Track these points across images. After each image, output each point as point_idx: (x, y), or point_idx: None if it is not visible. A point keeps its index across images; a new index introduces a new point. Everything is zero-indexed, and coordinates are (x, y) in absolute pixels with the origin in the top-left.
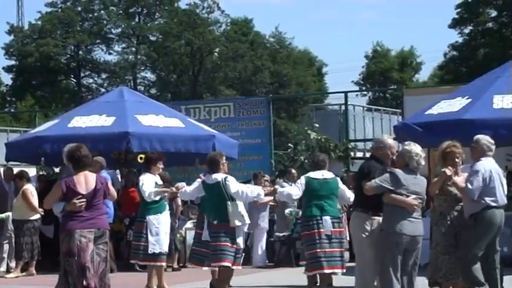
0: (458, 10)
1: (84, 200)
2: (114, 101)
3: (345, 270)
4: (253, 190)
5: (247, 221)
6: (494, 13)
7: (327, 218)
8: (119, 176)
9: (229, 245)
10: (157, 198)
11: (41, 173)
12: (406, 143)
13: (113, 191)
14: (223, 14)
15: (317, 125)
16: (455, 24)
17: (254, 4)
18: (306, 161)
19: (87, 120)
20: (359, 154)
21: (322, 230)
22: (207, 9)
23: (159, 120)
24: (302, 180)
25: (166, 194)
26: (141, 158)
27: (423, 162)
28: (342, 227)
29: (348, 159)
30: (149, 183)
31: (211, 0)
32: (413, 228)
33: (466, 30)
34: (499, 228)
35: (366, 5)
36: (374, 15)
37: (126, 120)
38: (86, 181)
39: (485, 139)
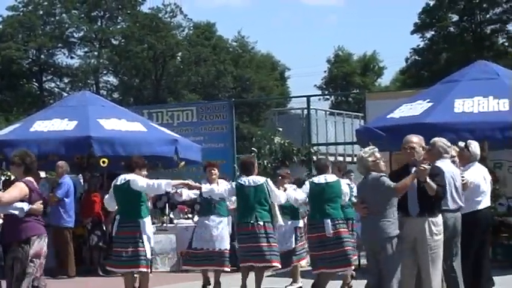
0: (421, 15)
1: (43, 204)
2: (76, 105)
3: (353, 268)
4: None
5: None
6: (455, 18)
7: (328, 221)
8: (82, 181)
9: (276, 245)
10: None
11: (2, 178)
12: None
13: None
14: (186, 18)
15: (280, 129)
16: (417, 29)
17: (217, 8)
18: (269, 165)
19: (49, 125)
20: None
21: (321, 233)
22: (170, 14)
23: (121, 125)
24: (307, 185)
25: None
26: (103, 162)
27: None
28: (345, 227)
29: (311, 163)
30: (144, 179)
31: (174, 4)
32: (364, 233)
33: (428, 35)
34: (454, 231)
35: (328, 9)
36: (336, 20)
37: (88, 125)
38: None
39: (441, 141)
